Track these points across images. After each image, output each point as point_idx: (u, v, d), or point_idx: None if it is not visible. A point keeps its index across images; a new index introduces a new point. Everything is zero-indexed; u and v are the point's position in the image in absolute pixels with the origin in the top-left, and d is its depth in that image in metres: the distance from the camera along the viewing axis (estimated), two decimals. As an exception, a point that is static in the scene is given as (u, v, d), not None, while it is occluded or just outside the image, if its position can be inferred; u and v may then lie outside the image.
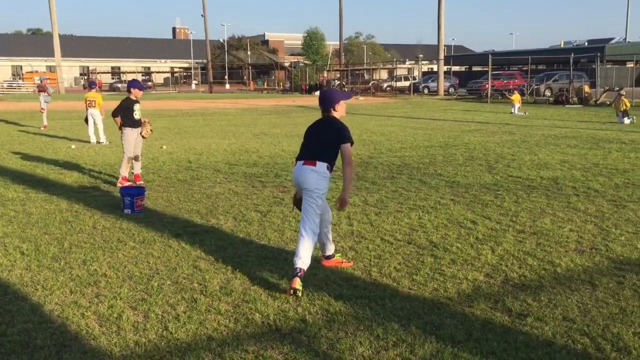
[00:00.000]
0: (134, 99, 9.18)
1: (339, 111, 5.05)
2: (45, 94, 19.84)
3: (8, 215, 7.21)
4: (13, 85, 66.73)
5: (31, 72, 77.13)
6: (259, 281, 4.93)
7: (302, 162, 4.88)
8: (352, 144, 4.90)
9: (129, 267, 5.33)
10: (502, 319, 4.23)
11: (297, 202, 5.08)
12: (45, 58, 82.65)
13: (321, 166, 4.81)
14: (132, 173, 9.45)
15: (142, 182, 9.30)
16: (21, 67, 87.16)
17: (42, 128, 19.23)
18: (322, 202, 4.92)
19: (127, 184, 9.08)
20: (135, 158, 9.37)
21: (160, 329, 4.05)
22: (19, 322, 4.12)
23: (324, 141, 4.87)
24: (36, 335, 3.92)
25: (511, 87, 41.01)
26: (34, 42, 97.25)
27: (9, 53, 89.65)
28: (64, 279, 4.99)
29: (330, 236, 5.31)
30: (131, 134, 9.17)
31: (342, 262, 5.36)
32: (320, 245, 5.30)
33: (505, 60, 54.24)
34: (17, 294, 4.65)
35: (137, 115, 9.18)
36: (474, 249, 5.88)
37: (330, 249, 5.35)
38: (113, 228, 6.65)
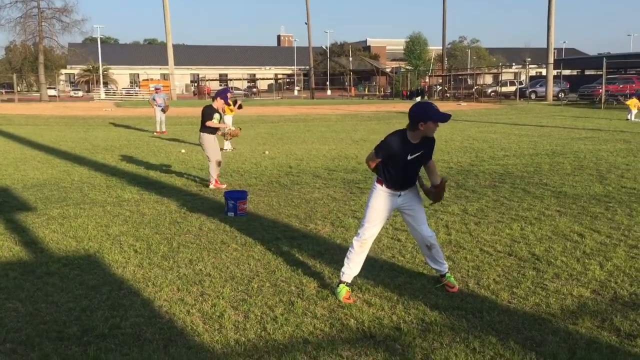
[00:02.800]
0: (215, 107, 9.82)
1: (424, 130, 4.53)
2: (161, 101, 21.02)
3: (124, 215, 7.75)
4: (130, 92, 71.32)
5: (147, 79, 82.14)
6: (355, 287, 4.98)
7: None
8: (374, 152, 4.69)
9: (231, 268, 5.56)
10: (610, 338, 4.01)
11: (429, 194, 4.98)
12: (160, 66, 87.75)
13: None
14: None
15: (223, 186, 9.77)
16: (138, 75, 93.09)
17: (155, 133, 20.44)
18: (367, 213, 4.80)
19: (223, 186, 9.67)
20: (218, 164, 9.82)
21: (259, 329, 4.21)
22: (132, 316, 4.42)
23: None
24: (146, 329, 4.20)
25: (628, 91, 38.52)
26: (150, 52, 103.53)
27: (127, 62, 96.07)
28: (172, 277, 5.30)
29: (428, 260, 5.05)
30: (212, 138, 9.74)
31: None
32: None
33: (622, 64, 50.99)
34: (131, 290, 5.00)
35: (216, 121, 9.76)
36: (581, 263, 5.60)
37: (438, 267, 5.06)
38: (217, 230, 6.97)
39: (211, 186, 9.70)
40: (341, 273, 4.86)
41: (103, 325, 4.23)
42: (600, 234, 6.61)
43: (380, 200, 4.75)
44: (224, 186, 9.70)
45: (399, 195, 4.76)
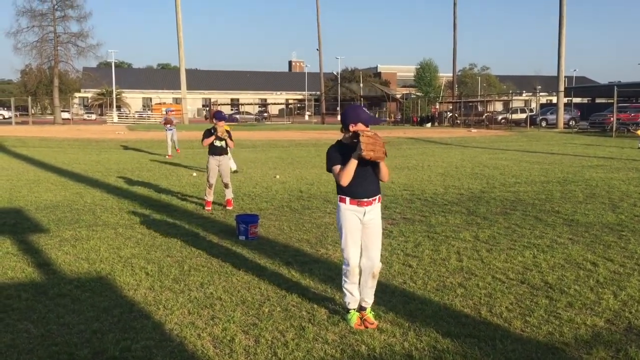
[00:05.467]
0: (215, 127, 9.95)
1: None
2: (170, 125, 21.38)
3: (136, 238, 7.78)
4: (143, 115, 72.00)
5: (159, 103, 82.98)
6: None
7: None
8: (328, 167, 4.65)
9: (242, 292, 5.56)
10: (625, 369, 3.95)
11: None
12: (172, 91, 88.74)
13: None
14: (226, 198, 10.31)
15: (231, 207, 10.05)
16: (151, 99, 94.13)
17: (166, 157, 20.61)
18: (342, 239, 4.72)
19: (209, 208, 9.94)
20: (225, 185, 10.14)
21: (269, 354, 4.19)
22: (142, 339, 4.42)
23: None
24: (157, 353, 4.18)
25: (639, 120, 38.44)
26: (163, 76, 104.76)
27: (140, 86, 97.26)
28: (183, 300, 5.30)
29: (364, 289, 4.80)
30: (212, 161, 9.98)
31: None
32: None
33: (633, 92, 50.96)
34: (141, 312, 5.00)
35: (217, 143, 9.93)
36: (594, 292, 5.55)
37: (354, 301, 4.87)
38: (228, 253, 6.98)
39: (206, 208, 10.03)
40: (346, 302, 4.82)
41: (114, 348, 4.23)
42: (614, 263, 6.55)
43: (348, 220, 4.66)
44: (209, 207, 9.99)
45: (364, 213, 4.67)
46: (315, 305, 5.16)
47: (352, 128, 4.56)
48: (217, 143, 9.93)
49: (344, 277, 4.79)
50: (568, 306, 5.17)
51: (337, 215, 4.78)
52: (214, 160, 9.97)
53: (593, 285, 5.77)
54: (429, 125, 55.96)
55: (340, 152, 4.62)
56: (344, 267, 4.78)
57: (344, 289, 4.81)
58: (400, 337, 4.47)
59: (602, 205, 10.29)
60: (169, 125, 21.28)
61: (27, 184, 13.07)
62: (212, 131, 9.85)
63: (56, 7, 58.99)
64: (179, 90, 61.53)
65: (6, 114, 71.00)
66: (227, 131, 10.00)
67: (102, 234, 8.01)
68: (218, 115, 10.10)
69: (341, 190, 4.70)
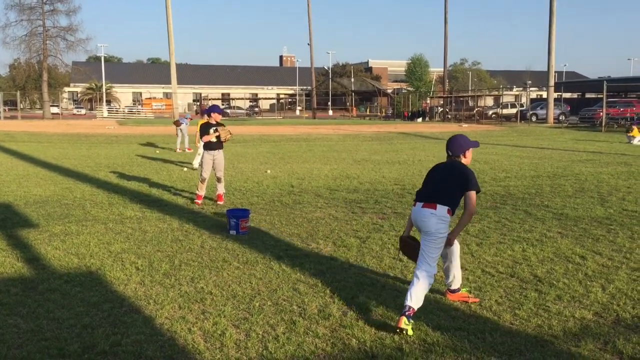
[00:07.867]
0: (213, 122, 9.89)
1: (467, 158, 4.95)
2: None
3: (126, 233, 7.75)
4: (133, 110, 71.61)
5: (150, 98, 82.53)
6: (357, 307, 4.97)
7: (422, 203, 4.78)
8: (477, 192, 4.78)
9: (233, 286, 5.56)
10: (612, 361, 3.99)
11: (404, 247, 5.06)
12: (163, 85, 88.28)
13: (442, 210, 4.69)
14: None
15: (222, 202, 10.00)
16: (141, 93, 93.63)
17: (186, 150, 20.71)
18: (442, 244, 4.81)
19: (199, 202, 9.91)
20: (218, 180, 10.09)
21: (260, 348, 4.19)
22: (132, 334, 4.41)
23: (449, 185, 4.76)
24: (147, 347, 4.18)
25: (628, 115, 38.70)
26: (153, 71, 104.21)
27: (130, 81, 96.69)
28: (173, 295, 5.30)
29: (457, 269, 5.16)
30: (207, 156, 9.90)
31: (469, 298, 5.17)
32: (446, 277, 5.23)
33: (622, 87, 51.25)
34: (132, 307, 4.99)
35: (213, 138, 9.87)
36: (583, 285, 5.60)
37: (457, 283, 5.20)
38: (219, 248, 6.97)
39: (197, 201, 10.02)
40: (410, 304, 4.56)
41: (104, 343, 4.22)
42: (602, 257, 6.60)
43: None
44: (200, 201, 9.97)
45: None
46: (305, 299, 5.17)
47: (467, 154, 4.96)
48: (214, 138, 9.88)
49: (429, 284, 4.69)
50: (557, 299, 5.21)
51: (445, 226, 4.74)
52: (209, 155, 9.90)
53: (582, 278, 5.81)
54: (420, 120, 56.06)
55: None
56: (432, 273, 4.71)
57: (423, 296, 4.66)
58: (391, 331, 4.49)
59: (591, 200, 10.36)
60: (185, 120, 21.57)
61: (16, 179, 12.98)
62: (213, 128, 9.77)
63: (45, 0, 58.49)
64: (170, 85, 61.12)
65: (-6, 108, 70.35)
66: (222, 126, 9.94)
67: (92, 228, 7.97)
68: (216, 109, 10.00)
69: (453, 207, 4.77)
